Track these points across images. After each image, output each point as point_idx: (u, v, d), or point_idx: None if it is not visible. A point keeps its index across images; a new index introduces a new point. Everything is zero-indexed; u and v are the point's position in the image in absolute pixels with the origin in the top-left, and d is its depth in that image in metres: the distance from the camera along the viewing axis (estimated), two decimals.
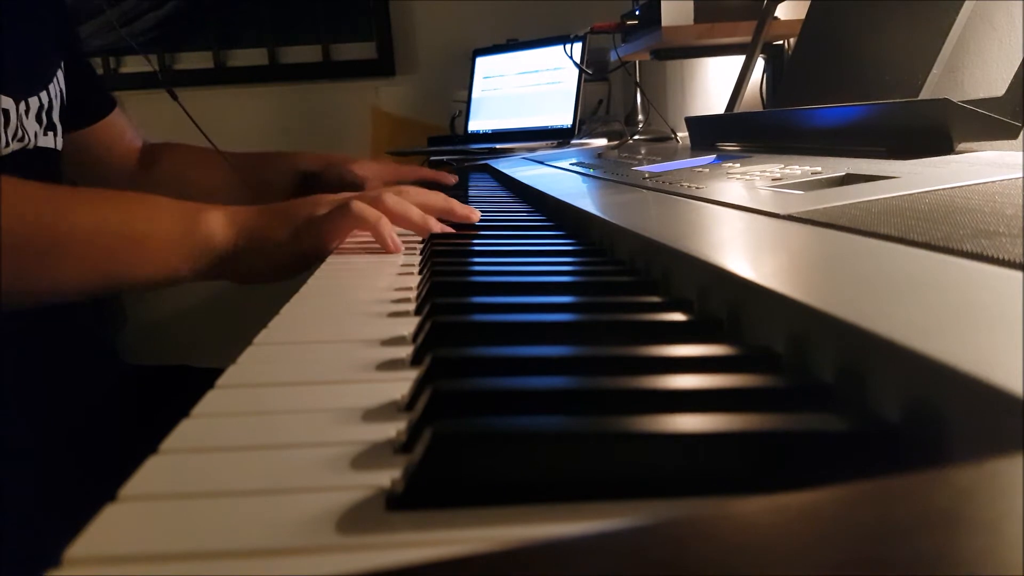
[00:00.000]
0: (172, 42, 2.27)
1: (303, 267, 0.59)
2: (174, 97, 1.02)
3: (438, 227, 0.61)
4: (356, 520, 0.18)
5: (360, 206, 0.57)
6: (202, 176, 0.99)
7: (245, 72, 2.30)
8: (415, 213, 0.60)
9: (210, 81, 2.26)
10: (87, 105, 0.90)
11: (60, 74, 0.79)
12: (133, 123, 1.00)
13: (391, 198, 0.60)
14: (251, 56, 2.30)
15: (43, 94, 0.74)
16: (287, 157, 1.03)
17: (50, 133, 0.77)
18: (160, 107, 1.06)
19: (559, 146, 1.50)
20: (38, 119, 0.73)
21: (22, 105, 0.71)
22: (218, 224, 0.57)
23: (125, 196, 0.58)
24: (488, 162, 1.35)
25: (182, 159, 1.01)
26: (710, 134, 1.00)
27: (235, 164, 0.98)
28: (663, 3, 1.11)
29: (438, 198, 0.64)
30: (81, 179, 0.94)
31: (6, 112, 0.68)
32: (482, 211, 0.68)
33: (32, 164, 0.73)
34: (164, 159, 1.00)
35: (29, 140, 0.72)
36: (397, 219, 0.60)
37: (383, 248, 0.57)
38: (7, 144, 0.68)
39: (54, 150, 0.78)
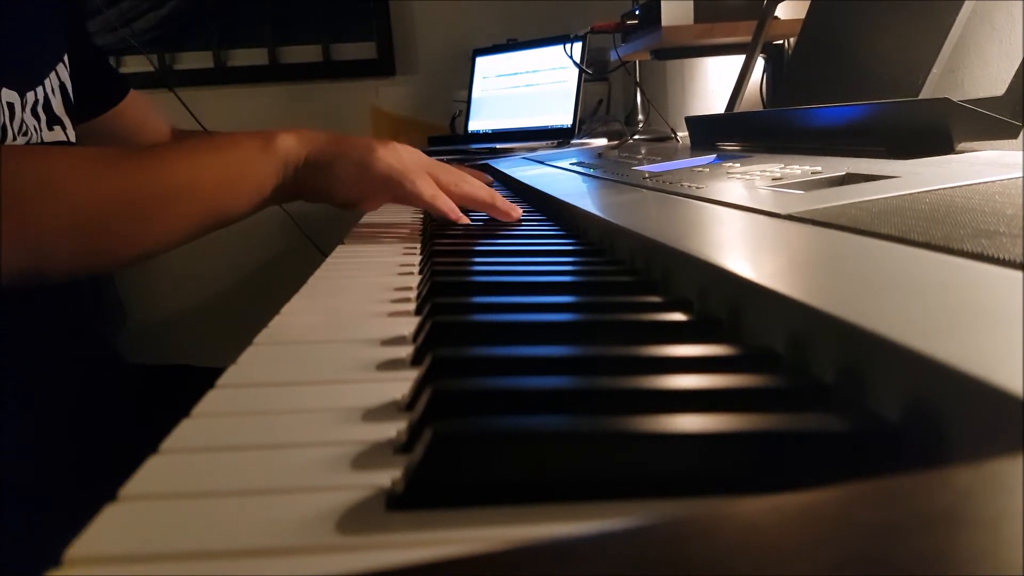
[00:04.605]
0: (172, 42, 2.27)
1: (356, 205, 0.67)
2: (178, 97, 1.02)
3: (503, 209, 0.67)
4: (356, 520, 0.18)
5: (419, 188, 0.63)
6: None
7: (245, 72, 2.30)
8: (482, 193, 0.66)
9: (210, 81, 2.26)
10: (98, 92, 0.89)
11: (61, 67, 0.78)
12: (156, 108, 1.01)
13: (452, 181, 0.65)
14: (251, 56, 2.30)
15: (39, 88, 0.73)
16: None
17: (56, 127, 0.76)
18: (160, 107, 1.06)
19: (559, 146, 1.50)
20: (34, 114, 0.72)
21: (29, 96, 0.71)
22: (291, 143, 0.62)
23: (206, 141, 0.60)
24: (488, 162, 1.35)
25: None
26: (710, 134, 0.99)
27: None
28: (663, 3, 1.11)
29: (482, 190, 0.68)
30: None
31: (11, 105, 0.68)
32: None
33: None
34: None
35: (32, 135, 0.71)
36: (456, 199, 0.65)
37: (448, 216, 0.64)
38: (14, 138, 0.68)
39: (67, 142, 0.78)
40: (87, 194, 0.51)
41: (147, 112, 0.98)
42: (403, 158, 0.64)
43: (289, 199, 0.64)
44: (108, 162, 0.54)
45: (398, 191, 0.63)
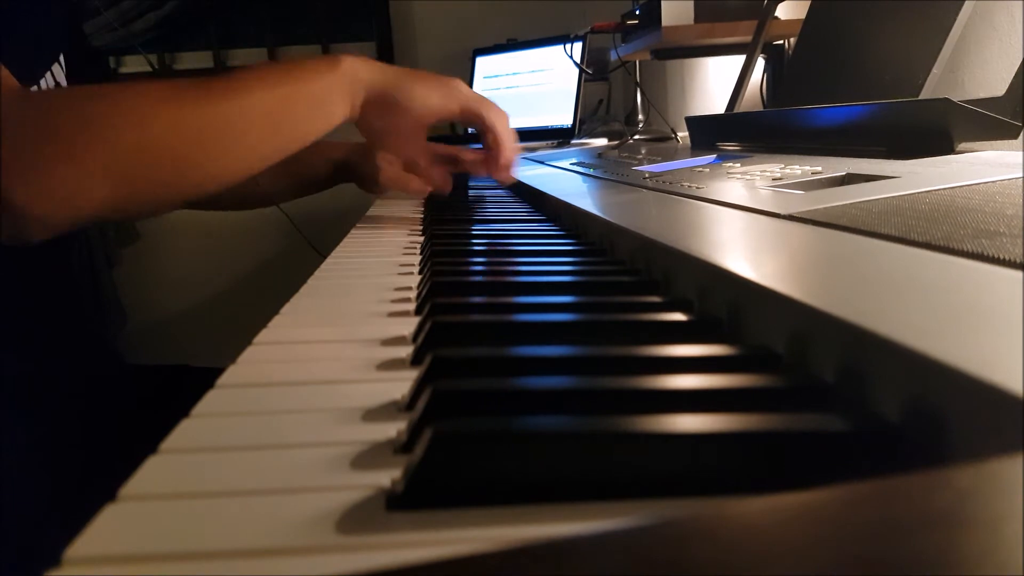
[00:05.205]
0: (172, 42, 2.27)
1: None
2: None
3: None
4: (356, 520, 0.18)
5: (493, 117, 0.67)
6: None
7: None
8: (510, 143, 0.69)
9: None
10: None
11: (57, 67, 0.78)
12: None
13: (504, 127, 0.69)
14: (251, 56, 2.30)
15: (34, 88, 0.73)
16: (318, 148, 1.02)
17: None
18: None
19: (559, 146, 1.50)
20: None
21: None
22: (357, 62, 0.63)
23: (272, 65, 0.63)
24: None
25: None
26: (710, 134, 0.99)
27: None
28: (663, 3, 1.11)
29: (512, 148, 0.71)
30: None
31: None
32: (483, 211, 0.68)
33: None
34: None
35: None
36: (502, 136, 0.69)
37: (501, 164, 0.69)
38: None
39: None
40: (170, 124, 0.51)
41: None
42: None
43: (364, 124, 0.66)
44: (182, 92, 0.54)
45: (480, 111, 0.67)
